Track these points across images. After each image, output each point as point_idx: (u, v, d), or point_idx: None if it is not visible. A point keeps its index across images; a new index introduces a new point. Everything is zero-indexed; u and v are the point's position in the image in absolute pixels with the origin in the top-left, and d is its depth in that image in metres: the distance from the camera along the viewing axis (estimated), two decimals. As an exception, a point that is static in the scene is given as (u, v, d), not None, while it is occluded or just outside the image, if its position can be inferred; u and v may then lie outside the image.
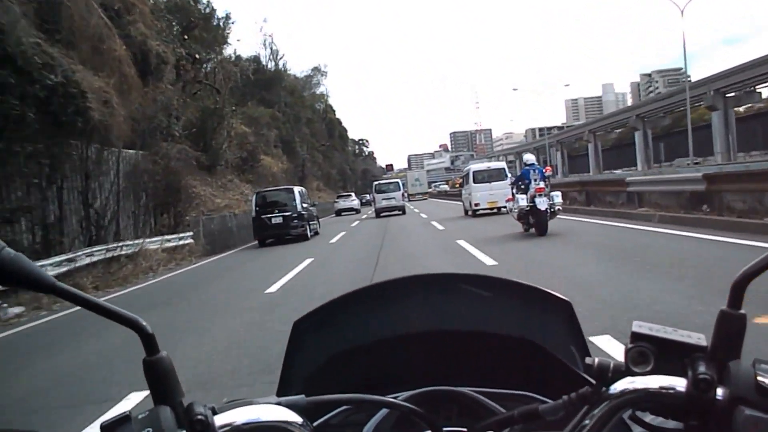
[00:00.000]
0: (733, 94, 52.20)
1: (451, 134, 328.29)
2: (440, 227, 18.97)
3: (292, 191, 21.47)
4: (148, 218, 18.04)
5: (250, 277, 12.32)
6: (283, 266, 12.51)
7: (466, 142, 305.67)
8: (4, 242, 0.58)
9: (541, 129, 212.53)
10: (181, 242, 17.40)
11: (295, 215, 20.37)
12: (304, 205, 21.40)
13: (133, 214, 17.24)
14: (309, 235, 20.94)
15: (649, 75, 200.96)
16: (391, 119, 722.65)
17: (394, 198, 32.99)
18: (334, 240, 19.13)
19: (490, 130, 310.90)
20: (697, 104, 57.94)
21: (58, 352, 7.01)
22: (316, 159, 58.26)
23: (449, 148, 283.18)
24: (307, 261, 13.16)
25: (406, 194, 40.91)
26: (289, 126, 45.40)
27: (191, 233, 18.33)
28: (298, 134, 48.28)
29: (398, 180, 37.59)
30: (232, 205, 24.74)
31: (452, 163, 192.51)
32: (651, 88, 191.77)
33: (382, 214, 32.34)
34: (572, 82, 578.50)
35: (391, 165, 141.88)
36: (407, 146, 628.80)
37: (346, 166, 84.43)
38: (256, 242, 21.09)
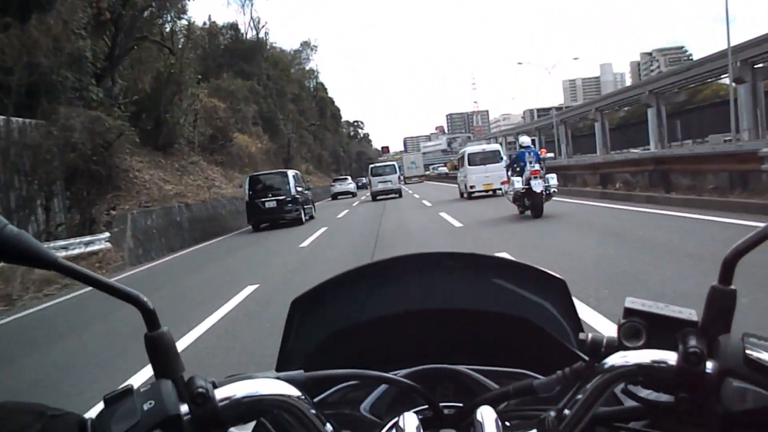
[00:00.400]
0: (761, 65, 47.01)
1: (447, 116, 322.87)
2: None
3: (286, 175, 20.76)
4: (28, 215, 12.93)
5: (164, 312, 7.50)
6: (217, 296, 7.82)
7: (463, 124, 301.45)
8: (6, 220, 0.59)
9: (539, 110, 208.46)
10: (90, 248, 12.59)
11: (289, 199, 19.73)
12: (299, 189, 20.76)
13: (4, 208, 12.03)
14: (304, 219, 20.36)
15: (650, 54, 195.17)
16: (386, 102, 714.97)
17: (390, 181, 32.39)
18: (317, 234, 15.87)
19: (487, 111, 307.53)
20: (713, 79, 52.94)
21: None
22: (305, 140, 53.20)
23: (446, 130, 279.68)
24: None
25: (402, 177, 39.59)
26: (271, 102, 40.35)
27: (107, 234, 13.37)
28: (282, 111, 43.29)
29: (394, 163, 36.63)
30: (188, 193, 19.62)
31: (449, 145, 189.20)
32: (652, 67, 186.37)
33: (378, 197, 31.90)
34: (570, 62, 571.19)
35: (387, 147, 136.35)
36: (403, 129, 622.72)
37: (339, 148, 79.28)
38: (211, 240, 18.37)
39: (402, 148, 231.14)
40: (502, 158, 21.91)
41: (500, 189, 17.75)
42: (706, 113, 63.57)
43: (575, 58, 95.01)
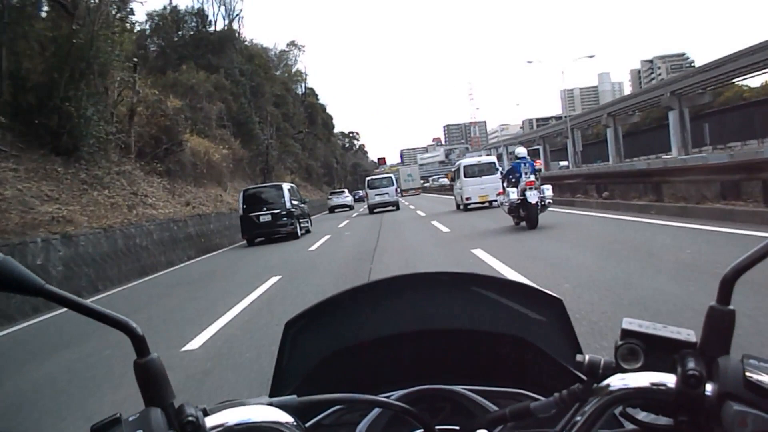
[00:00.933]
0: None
1: (444, 127, 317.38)
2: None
3: (281, 188, 20.28)
4: None
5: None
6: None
7: (461, 135, 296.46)
8: None
9: (539, 120, 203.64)
10: None
11: (284, 213, 19.25)
12: (294, 202, 20.15)
13: None
14: (299, 234, 19.82)
15: (651, 61, 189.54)
16: (382, 113, 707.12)
17: (387, 193, 31.77)
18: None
19: (485, 122, 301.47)
20: (753, 74, 46.83)
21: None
22: (291, 148, 46.60)
23: (443, 142, 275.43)
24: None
25: (398, 190, 39.26)
26: (245, 102, 33.71)
27: None
28: (259, 113, 36.53)
29: (391, 175, 35.98)
30: (83, 217, 12.85)
31: (447, 156, 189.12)
32: (653, 75, 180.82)
33: (376, 210, 31.49)
34: (568, 72, 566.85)
35: (384, 159, 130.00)
36: (400, 140, 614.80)
37: (332, 159, 72.77)
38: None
39: (399, 160, 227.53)
40: (497, 170, 21.75)
41: (496, 201, 17.36)
42: (728, 117, 57.77)
43: (591, 56, 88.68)
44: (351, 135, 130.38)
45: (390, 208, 31.59)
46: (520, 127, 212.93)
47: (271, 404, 0.66)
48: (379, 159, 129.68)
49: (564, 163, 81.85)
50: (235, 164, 29.63)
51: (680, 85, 57.39)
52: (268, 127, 36.08)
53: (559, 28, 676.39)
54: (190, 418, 0.58)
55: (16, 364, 6.31)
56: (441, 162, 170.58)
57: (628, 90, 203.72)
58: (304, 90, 62.38)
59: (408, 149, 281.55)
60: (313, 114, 64.18)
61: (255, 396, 0.68)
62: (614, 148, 72.44)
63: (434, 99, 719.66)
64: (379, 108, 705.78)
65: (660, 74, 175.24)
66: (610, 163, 59.23)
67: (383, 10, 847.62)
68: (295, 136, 50.77)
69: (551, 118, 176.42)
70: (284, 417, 0.64)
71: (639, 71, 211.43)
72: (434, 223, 17.70)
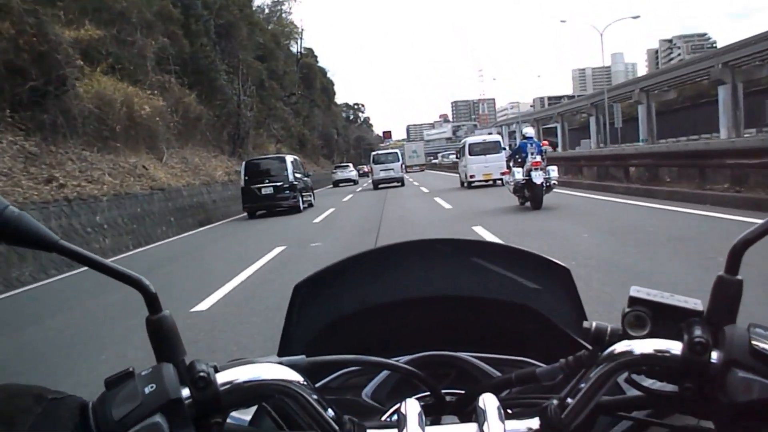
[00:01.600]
0: None
1: (452, 103, 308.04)
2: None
3: (284, 160, 19.59)
4: None
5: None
6: None
7: (469, 112, 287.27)
8: (7, 202, 0.58)
9: (550, 98, 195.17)
10: None
11: (287, 186, 18.55)
12: (297, 175, 19.45)
13: None
14: (302, 207, 19.21)
15: (670, 41, 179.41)
16: (389, 88, 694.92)
17: (392, 169, 31.27)
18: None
19: (494, 99, 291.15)
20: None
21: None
22: (278, 112, 38.23)
23: (450, 118, 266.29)
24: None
25: (403, 165, 37.37)
26: (208, 43, 25.17)
27: None
28: (229, 60, 28.21)
29: (397, 150, 35.49)
30: None
31: (454, 133, 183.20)
32: (672, 55, 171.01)
33: (380, 186, 30.86)
34: (580, 52, 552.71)
35: (389, 132, 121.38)
36: (406, 116, 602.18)
37: (332, 130, 64.13)
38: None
39: (404, 136, 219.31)
40: (502, 149, 22.20)
41: (500, 179, 18.91)
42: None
43: (636, 17, 78.80)
44: (356, 107, 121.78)
45: (395, 184, 30.65)
46: (531, 106, 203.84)
47: (280, 363, 0.65)
48: (384, 133, 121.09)
49: (586, 142, 73.59)
50: (186, 124, 21.55)
51: (735, 55, 48.81)
52: (241, 80, 27.62)
53: (571, 6, 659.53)
54: (201, 374, 0.59)
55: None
56: (448, 138, 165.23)
57: (644, 70, 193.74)
58: (300, 49, 53.63)
59: (414, 125, 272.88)
60: (310, 77, 55.66)
61: (264, 355, 0.69)
62: (646, 127, 64.12)
63: (442, 74, 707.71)
64: (386, 82, 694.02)
65: (680, 54, 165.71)
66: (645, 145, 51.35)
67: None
68: (285, 99, 42.34)
69: (564, 96, 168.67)
70: (294, 376, 0.64)
71: (657, 51, 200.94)
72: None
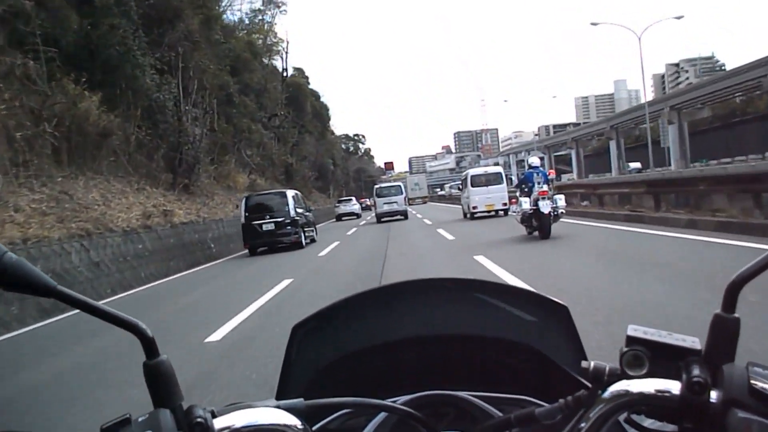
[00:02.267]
0: None
1: (455, 134, 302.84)
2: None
3: (285, 195, 18.96)
4: None
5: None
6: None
7: (471, 143, 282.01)
8: (5, 248, 0.58)
9: (555, 126, 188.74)
10: None
11: (288, 221, 17.98)
12: (299, 211, 18.92)
13: None
14: (304, 243, 18.57)
15: (677, 65, 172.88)
16: (390, 120, 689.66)
17: (396, 202, 30.22)
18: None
19: (497, 129, 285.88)
20: None
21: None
22: (254, 136, 30.67)
23: (453, 149, 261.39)
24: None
25: (406, 198, 35.98)
26: (125, 25, 17.05)
27: None
28: (162, 54, 20.51)
29: (400, 183, 33.91)
30: None
31: (458, 164, 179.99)
32: (680, 79, 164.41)
33: (383, 219, 30.02)
34: (582, 80, 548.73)
35: (392, 164, 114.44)
36: (408, 148, 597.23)
37: (328, 161, 56.45)
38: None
39: (407, 168, 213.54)
40: (503, 180, 22.61)
41: (502, 210, 21.25)
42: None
43: (679, 17, 72.10)
44: (356, 138, 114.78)
45: (398, 217, 29.95)
46: (535, 134, 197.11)
47: (278, 407, 0.65)
48: (386, 164, 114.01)
49: (635, 165, 65.47)
50: (82, 141, 13.72)
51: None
52: (181, 82, 20.18)
53: (573, 34, 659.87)
54: (198, 420, 0.58)
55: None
56: (451, 170, 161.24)
57: (649, 96, 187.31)
58: (285, 65, 46.19)
59: (416, 157, 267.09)
60: (299, 99, 49.11)
61: (262, 399, 0.69)
62: (678, 149, 56.40)
63: (444, 106, 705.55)
64: (387, 114, 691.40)
65: (687, 78, 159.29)
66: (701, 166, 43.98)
67: (393, 17, 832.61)
68: (264, 121, 34.67)
69: (569, 124, 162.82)
70: (292, 420, 0.64)
71: (663, 75, 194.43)
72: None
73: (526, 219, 12.29)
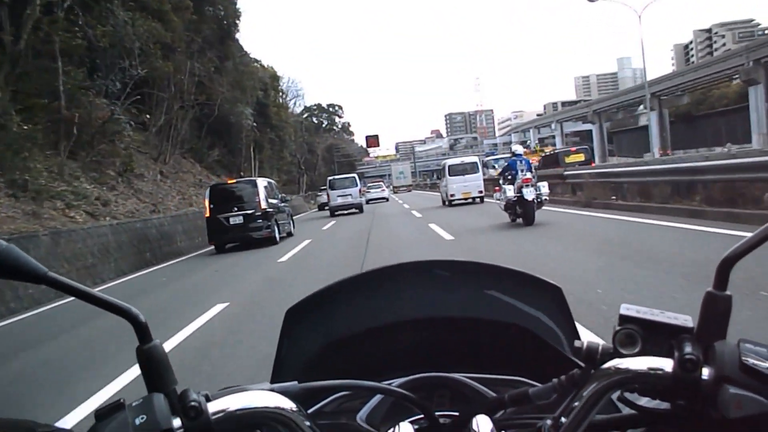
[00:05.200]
0: None
1: (446, 116, 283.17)
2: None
3: (255, 184, 17.03)
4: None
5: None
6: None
7: (465, 125, 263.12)
8: None
9: (563, 103, 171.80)
10: None
11: (259, 214, 16.22)
12: (272, 201, 17.16)
13: None
14: (278, 238, 16.79)
15: (708, 30, 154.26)
16: (375, 104, 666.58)
17: (350, 195, 29.74)
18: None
19: (492, 110, 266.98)
20: None
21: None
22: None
23: (443, 133, 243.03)
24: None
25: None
26: None
27: None
28: None
29: (355, 175, 32.22)
30: None
31: (451, 147, 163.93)
32: (716, 45, 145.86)
33: (337, 213, 28.94)
34: (583, 57, 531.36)
35: (376, 138, 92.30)
36: (395, 133, 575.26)
37: (242, 111, 35.17)
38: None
39: (394, 152, 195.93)
40: (479, 169, 24.41)
41: (478, 197, 23.42)
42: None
43: None
44: (331, 109, 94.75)
45: (353, 210, 29.38)
46: (538, 114, 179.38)
47: (273, 390, 0.66)
48: (368, 139, 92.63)
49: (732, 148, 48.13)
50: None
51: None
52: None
53: (572, 13, 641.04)
54: (192, 404, 0.59)
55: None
56: (443, 154, 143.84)
57: (669, 69, 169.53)
58: None
59: (403, 142, 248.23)
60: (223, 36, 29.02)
61: (257, 382, 0.69)
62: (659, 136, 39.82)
63: (433, 88, 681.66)
64: (372, 99, 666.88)
65: (724, 44, 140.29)
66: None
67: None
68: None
69: (580, 101, 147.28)
70: (286, 403, 0.64)
71: (686, 45, 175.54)
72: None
73: (510, 206, 12.60)
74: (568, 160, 27.65)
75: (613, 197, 13.99)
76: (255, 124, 35.97)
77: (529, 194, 11.78)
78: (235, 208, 16.07)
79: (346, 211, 29.25)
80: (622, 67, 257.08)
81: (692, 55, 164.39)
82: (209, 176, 28.97)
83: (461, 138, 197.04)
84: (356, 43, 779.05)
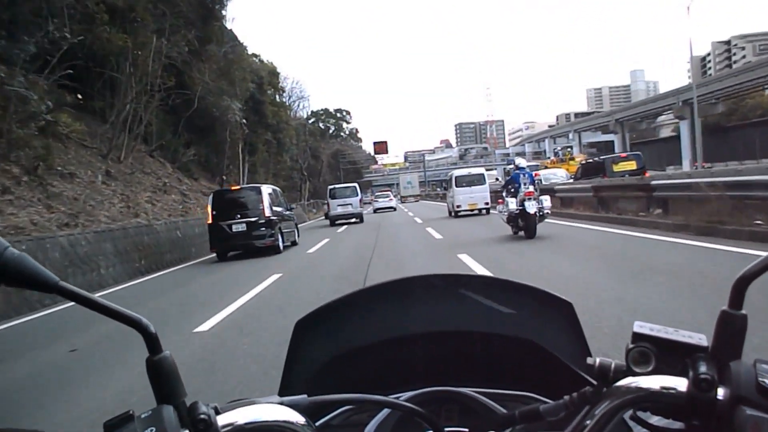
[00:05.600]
0: None
1: (456, 126, 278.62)
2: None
3: (260, 191, 16.26)
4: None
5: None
6: None
7: (474, 135, 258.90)
8: (7, 243, 0.58)
9: (576, 114, 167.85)
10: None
11: (263, 221, 15.56)
12: (276, 209, 16.44)
13: None
14: (281, 247, 16.08)
15: (727, 42, 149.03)
16: (384, 113, 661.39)
17: (350, 204, 29.35)
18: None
19: (503, 121, 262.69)
20: None
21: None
22: None
23: (454, 143, 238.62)
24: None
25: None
26: None
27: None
28: None
29: (355, 185, 31.57)
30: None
31: (461, 157, 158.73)
32: (735, 58, 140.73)
33: (338, 222, 29.19)
34: (595, 70, 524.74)
35: (384, 144, 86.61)
36: (404, 143, 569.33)
37: (229, 105, 30.25)
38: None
39: (402, 160, 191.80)
40: (485, 181, 24.10)
41: (485, 209, 23.11)
42: None
43: None
44: (338, 114, 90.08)
45: (353, 220, 29.30)
46: (550, 125, 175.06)
47: (281, 403, 0.66)
48: (376, 146, 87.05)
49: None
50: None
51: None
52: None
53: (581, 24, 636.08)
54: (202, 416, 0.58)
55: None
56: (453, 164, 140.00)
57: (685, 82, 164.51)
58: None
59: (413, 152, 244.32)
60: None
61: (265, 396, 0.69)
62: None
63: (443, 99, 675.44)
64: (382, 106, 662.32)
65: (744, 56, 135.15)
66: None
67: (392, 9, 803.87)
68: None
69: (592, 112, 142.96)
70: (295, 416, 0.64)
71: (704, 58, 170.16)
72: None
73: (513, 219, 12.57)
74: (616, 168, 22.82)
75: (758, 221, 8.84)
76: (245, 121, 30.93)
77: (531, 207, 11.82)
78: (238, 215, 15.47)
79: (345, 221, 28.96)
80: (635, 80, 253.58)
81: (710, 68, 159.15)
82: (181, 179, 23.80)
83: (471, 148, 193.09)
84: (365, 50, 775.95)
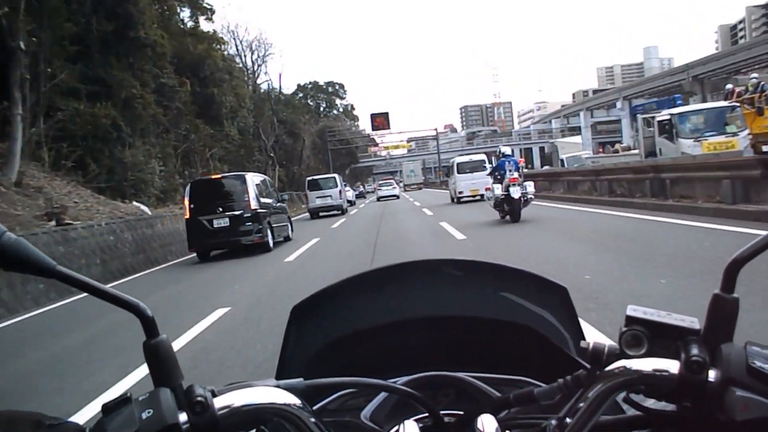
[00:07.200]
0: None
1: (461, 108, 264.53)
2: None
3: (244, 180, 14.18)
4: None
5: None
6: None
7: (481, 118, 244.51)
8: (5, 227, 0.57)
9: (595, 91, 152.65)
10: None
11: (248, 215, 13.66)
12: (264, 201, 14.37)
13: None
14: (271, 244, 14.18)
15: (765, 6, 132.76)
16: (386, 98, 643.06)
17: (330, 196, 28.51)
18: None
19: (510, 103, 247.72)
20: None
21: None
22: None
23: (458, 127, 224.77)
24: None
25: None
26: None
27: None
28: None
29: (335, 175, 30.63)
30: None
31: (468, 140, 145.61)
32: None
33: (321, 214, 28.21)
34: (607, 48, 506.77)
35: (384, 117, 70.20)
36: (406, 128, 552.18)
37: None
38: None
39: (405, 141, 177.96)
40: (486, 167, 22.76)
41: (484, 195, 22.54)
42: None
43: None
44: (330, 88, 74.97)
45: (334, 212, 28.51)
46: (562, 105, 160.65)
47: (278, 386, 0.65)
48: (374, 118, 70.55)
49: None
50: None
51: None
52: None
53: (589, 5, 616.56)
54: (199, 399, 0.59)
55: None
56: (462, 147, 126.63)
57: (710, 51, 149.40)
58: None
59: (415, 138, 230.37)
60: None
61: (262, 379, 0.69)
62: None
63: (446, 83, 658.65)
64: (382, 92, 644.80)
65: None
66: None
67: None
68: None
69: (611, 88, 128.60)
70: (291, 399, 0.64)
71: (734, 26, 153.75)
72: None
73: (499, 204, 13.14)
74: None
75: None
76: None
77: (515, 193, 12.34)
78: (220, 209, 13.64)
79: (327, 212, 28.27)
80: (649, 57, 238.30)
81: (742, 36, 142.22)
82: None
83: (480, 130, 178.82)
84: (367, 31, 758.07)
